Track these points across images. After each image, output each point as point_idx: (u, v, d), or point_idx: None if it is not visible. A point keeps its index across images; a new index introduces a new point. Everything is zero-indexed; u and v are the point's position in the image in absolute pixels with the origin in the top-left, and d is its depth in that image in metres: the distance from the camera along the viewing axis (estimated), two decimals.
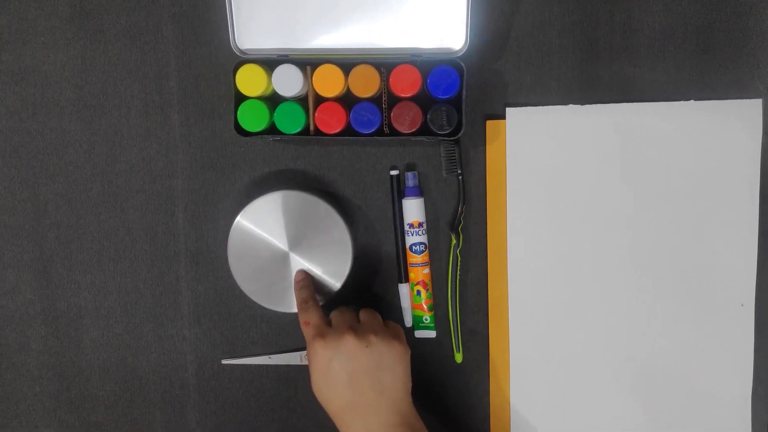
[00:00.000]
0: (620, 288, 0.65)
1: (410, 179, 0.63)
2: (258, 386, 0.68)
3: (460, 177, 0.63)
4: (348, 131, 0.60)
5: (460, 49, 0.59)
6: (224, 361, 0.67)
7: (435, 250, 0.65)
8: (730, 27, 0.62)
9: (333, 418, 0.55)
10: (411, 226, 0.63)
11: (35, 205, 0.66)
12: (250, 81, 0.59)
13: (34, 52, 0.65)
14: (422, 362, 0.67)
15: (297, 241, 0.61)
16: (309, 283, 0.60)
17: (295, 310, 0.62)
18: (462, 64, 0.58)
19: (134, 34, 0.64)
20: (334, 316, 0.58)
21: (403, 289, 0.65)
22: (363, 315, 0.58)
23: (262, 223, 0.61)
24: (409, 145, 0.64)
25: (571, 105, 0.63)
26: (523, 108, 0.63)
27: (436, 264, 0.65)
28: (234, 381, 0.68)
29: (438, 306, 0.66)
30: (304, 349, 0.67)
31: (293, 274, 0.61)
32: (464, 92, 0.58)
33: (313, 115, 0.60)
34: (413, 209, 0.63)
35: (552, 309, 0.65)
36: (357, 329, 0.55)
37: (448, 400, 0.67)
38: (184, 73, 0.64)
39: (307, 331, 0.57)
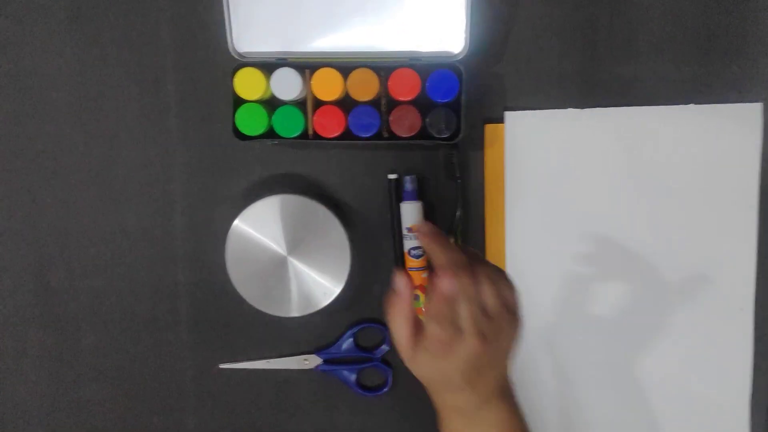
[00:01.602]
0: (619, 292, 0.65)
1: (408, 183, 0.63)
2: (256, 391, 0.67)
3: (459, 181, 0.63)
4: (347, 135, 0.60)
5: (460, 53, 0.59)
6: (222, 366, 0.67)
7: None
8: (729, 31, 0.62)
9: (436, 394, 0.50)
10: (409, 230, 0.63)
11: (32, 209, 0.66)
12: (248, 84, 0.59)
13: (31, 56, 0.64)
14: None
15: (295, 246, 0.61)
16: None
17: (295, 314, 0.61)
18: (461, 68, 0.58)
19: (131, 38, 0.64)
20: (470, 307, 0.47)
21: None
22: (493, 299, 0.48)
23: (260, 227, 0.61)
24: (407, 149, 0.64)
25: (570, 109, 0.63)
26: (522, 112, 0.63)
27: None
28: (232, 385, 0.67)
29: None
30: (301, 353, 0.67)
31: (291, 278, 0.61)
32: (464, 96, 0.58)
33: (312, 118, 0.60)
34: (411, 213, 0.63)
35: (550, 313, 0.65)
36: (487, 333, 0.47)
37: None
38: (181, 76, 0.64)
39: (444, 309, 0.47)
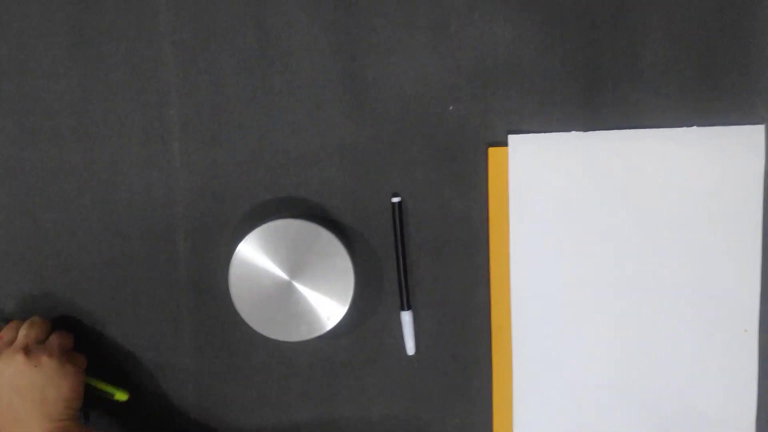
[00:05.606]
0: (624, 314, 0.64)
1: None
2: (259, 416, 0.67)
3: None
4: None
5: None
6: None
7: None
8: (733, 52, 0.62)
9: None
10: None
11: (35, 234, 0.66)
12: None
13: (33, 81, 0.64)
14: (425, 388, 0.66)
15: (299, 270, 0.61)
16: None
17: (299, 339, 0.62)
18: None
19: (135, 62, 0.64)
20: (21, 334, 0.62)
21: (405, 316, 0.65)
22: (53, 337, 0.63)
23: (264, 251, 0.61)
24: (410, 172, 0.64)
25: (573, 131, 0.63)
26: (526, 135, 0.63)
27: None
28: (235, 411, 0.67)
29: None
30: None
31: (295, 302, 0.61)
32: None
33: None
34: None
35: (556, 336, 0.65)
36: (31, 350, 0.60)
37: (451, 428, 0.67)
38: (184, 100, 0.64)
39: None
